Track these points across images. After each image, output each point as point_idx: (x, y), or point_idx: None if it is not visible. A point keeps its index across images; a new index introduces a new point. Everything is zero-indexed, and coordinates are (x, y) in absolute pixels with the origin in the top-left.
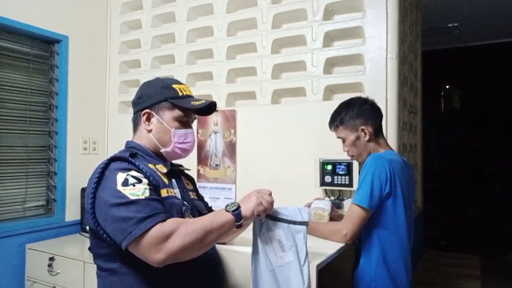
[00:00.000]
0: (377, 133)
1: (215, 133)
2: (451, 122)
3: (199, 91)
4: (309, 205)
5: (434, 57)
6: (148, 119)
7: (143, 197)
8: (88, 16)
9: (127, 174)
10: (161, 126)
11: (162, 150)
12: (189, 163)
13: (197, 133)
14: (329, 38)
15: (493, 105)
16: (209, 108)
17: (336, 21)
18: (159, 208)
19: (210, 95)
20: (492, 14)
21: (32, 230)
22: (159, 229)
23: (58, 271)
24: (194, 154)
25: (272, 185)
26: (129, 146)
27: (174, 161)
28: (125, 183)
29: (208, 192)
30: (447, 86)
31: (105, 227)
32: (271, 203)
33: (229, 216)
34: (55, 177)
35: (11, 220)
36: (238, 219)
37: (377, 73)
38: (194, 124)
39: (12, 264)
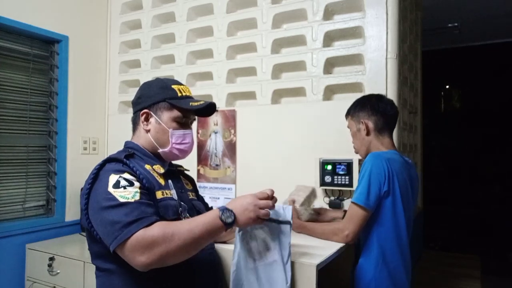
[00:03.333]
0: (381, 132)
1: (215, 133)
2: (451, 122)
3: (199, 91)
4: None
5: (434, 57)
6: (147, 119)
7: (132, 200)
8: (88, 16)
9: (120, 176)
10: (159, 127)
11: (160, 150)
12: (189, 163)
13: (197, 133)
14: (329, 38)
15: (493, 105)
16: (208, 109)
17: (336, 21)
18: (147, 212)
19: (210, 95)
20: (492, 14)
21: (32, 230)
22: (142, 233)
23: (58, 271)
24: (194, 154)
25: (272, 185)
26: (127, 146)
27: (173, 162)
28: (117, 185)
29: (208, 192)
30: (447, 86)
31: (96, 229)
32: (267, 213)
33: (220, 225)
34: (55, 177)
35: (11, 220)
36: (227, 227)
37: (377, 73)
38: (194, 124)
39: (12, 264)
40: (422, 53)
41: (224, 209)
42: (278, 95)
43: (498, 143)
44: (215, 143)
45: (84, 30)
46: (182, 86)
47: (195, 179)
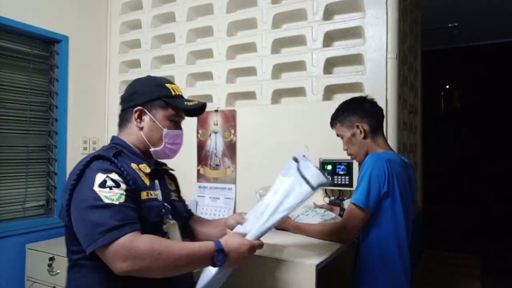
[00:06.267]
0: (375, 132)
1: (215, 133)
2: (451, 122)
3: (199, 91)
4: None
5: (434, 57)
6: (140, 117)
7: (117, 202)
8: (88, 16)
9: (107, 176)
10: (153, 125)
11: (152, 149)
12: (189, 163)
13: (197, 133)
14: (329, 38)
15: (493, 105)
16: (201, 109)
17: (336, 21)
18: (130, 217)
19: (210, 95)
20: (492, 14)
21: (32, 230)
22: (130, 241)
23: (58, 271)
24: (194, 154)
25: (268, 185)
26: (115, 142)
27: (159, 160)
28: (103, 184)
29: (208, 192)
30: (447, 86)
31: (75, 227)
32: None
33: (209, 263)
34: (55, 177)
35: (11, 220)
36: (214, 265)
37: (377, 73)
38: (194, 124)
39: (12, 264)
40: (422, 53)
41: (219, 251)
42: (278, 95)
43: (498, 143)
44: (215, 143)
45: (84, 30)
46: (174, 85)
47: (195, 179)
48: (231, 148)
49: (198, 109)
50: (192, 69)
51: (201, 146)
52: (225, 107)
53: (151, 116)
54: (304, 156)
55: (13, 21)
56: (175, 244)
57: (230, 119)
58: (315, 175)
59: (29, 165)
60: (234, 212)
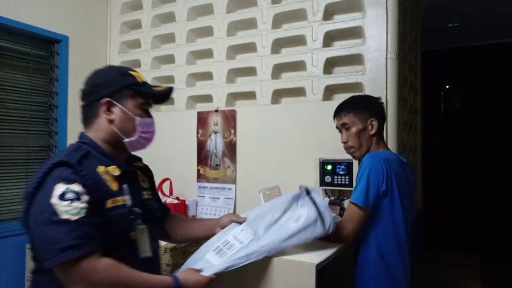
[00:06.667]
0: (380, 133)
1: (215, 133)
2: (451, 122)
3: (199, 91)
4: None
5: (434, 57)
6: (109, 109)
7: (76, 217)
8: (88, 16)
9: (67, 188)
10: (124, 115)
11: (126, 140)
12: (189, 163)
13: (197, 133)
14: (329, 38)
15: (493, 105)
16: (168, 94)
17: (336, 21)
18: (88, 234)
19: (210, 95)
20: (492, 14)
21: None
22: (88, 265)
23: None
24: (194, 154)
25: (272, 185)
26: (83, 141)
27: (133, 153)
28: (62, 196)
29: (208, 192)
30: (447, 86)
31: (33, 238)
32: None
33: None
34: None
35: (11, 220)
36: None
37: (377, 73)
38: (194, 124)
39: (12, 264)
40: (422, 53)
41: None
42: (278, 95)
43: (498, 143)
44: (215, 143)
45: (84, 30)
46: (138, 73)
47: (195, 179)
48: (231, 148)
49: (165, 95)
50: (192, 69)
51: (201, 146)
52: (225, 107)
53: (121, 106)
54: (319, 192)
55: (13, 21)
56: (134, 276)
57: (230, 119)
58: (332, 219)
59: (29, 165)
60: (234, 212)
